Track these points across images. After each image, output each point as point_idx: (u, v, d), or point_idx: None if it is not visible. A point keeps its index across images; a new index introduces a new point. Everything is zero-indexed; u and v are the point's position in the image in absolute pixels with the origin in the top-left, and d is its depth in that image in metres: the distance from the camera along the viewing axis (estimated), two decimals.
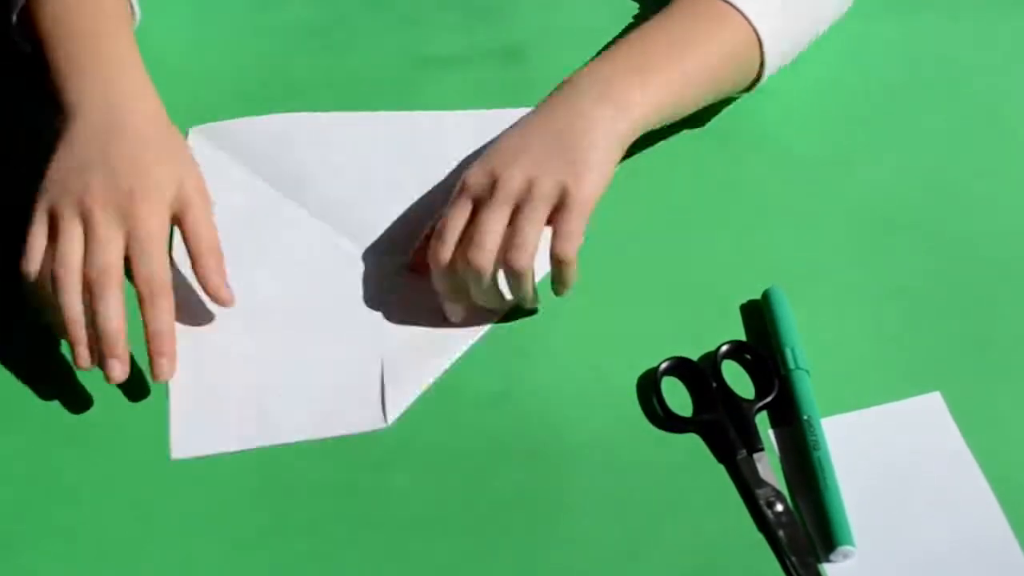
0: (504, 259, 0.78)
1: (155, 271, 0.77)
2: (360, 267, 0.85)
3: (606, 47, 0.97)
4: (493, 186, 0.78)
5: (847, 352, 0.81)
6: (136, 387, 0.79)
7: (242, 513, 0.74)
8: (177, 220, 0.80)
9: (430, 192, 0.88)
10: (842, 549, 0.71)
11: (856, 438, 0.77)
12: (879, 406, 0.78)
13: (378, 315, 0.83)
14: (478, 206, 0.79)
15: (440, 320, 0.82)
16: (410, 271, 0.84)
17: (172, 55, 0.97)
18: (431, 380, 0.80)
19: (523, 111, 0.84)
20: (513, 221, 0.78)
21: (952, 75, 0.97)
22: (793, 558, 0.72)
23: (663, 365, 0.79)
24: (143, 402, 0.79)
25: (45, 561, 0.72)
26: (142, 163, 0.79)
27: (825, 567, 0.72)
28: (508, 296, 0.80)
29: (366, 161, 0.91)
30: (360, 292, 0.84)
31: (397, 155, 0.91)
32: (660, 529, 0.74)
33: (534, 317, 0.82)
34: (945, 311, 0.83)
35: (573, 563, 0.72)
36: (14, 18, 0.88)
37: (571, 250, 0.78)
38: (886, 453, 0.76)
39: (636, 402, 0.79)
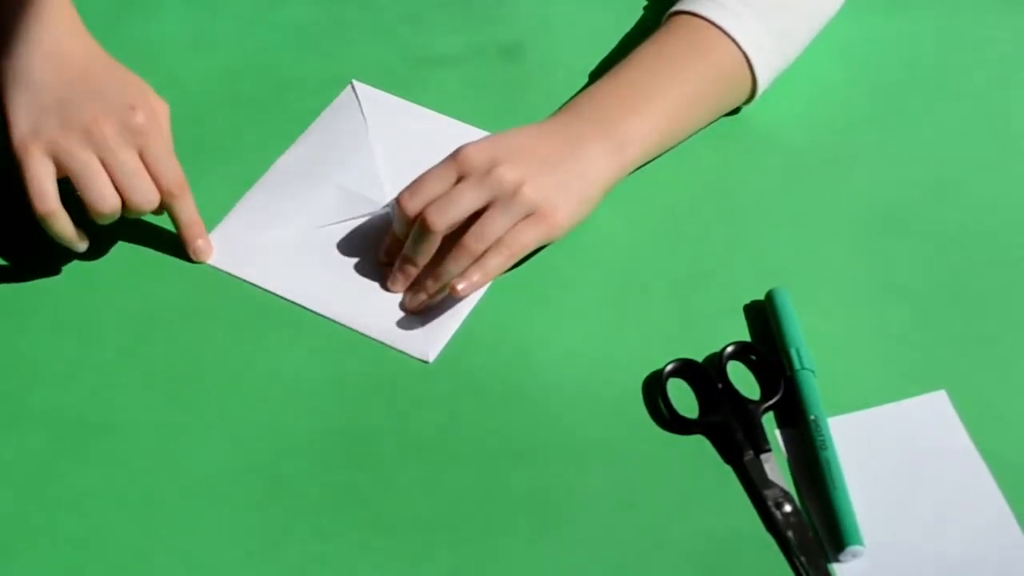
0: (460, 239, 0.80)
1: (177, 171, 0.82)
2: None
3: (603, 47, 0.97)
4: (485, 171, 0.80)
5: (852, 352, 0.81)
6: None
7: (249, 518, 0.74)
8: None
9: None
10: (851, 549, 0.71)
11: (863, 437, 0.77)
12: (885, 405, 0.79)
13: None
14: (462, 178, 0.81)
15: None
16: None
17: (171, 55, 0.97)
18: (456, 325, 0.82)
19: None
20: (485, 212, 0.80)
21: (952, 74, 0.97)
22: (803, 558, 0.72)
23: (668, 367, 0.79)
24: (148, 407, 0.78)
25: (51, 571, 0.72)
26: (125, 80, 0.83)
27: (835, 567, 0.72)
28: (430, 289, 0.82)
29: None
30: None
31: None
32: (668, 531, 0.74)
33: (538, 318, 0.82)
34: (949, 309, 0.83)
35: (579, 565, 0.72)
36: None
37: (516, 246, 0.80)
38: (893, 452, 0.77)
39: (642, 404, 0.79)
